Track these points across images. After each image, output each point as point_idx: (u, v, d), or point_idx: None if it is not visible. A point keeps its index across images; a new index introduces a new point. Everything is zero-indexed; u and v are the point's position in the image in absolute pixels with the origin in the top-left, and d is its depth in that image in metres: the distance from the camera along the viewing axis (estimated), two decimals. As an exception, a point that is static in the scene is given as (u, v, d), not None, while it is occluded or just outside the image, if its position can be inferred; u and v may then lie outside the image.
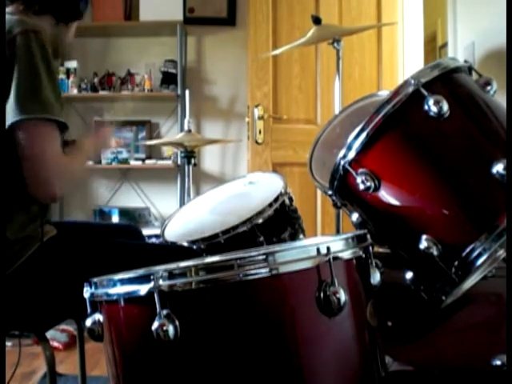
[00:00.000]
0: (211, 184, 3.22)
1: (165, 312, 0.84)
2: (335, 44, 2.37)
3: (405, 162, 1.12)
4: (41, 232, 1.30)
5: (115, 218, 3.51)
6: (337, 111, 2.39)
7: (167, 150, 3.56)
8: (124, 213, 3.54)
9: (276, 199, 1.54)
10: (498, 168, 1.04)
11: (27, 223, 1.28)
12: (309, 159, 1.55)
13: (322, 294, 0.87)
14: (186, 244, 1.52)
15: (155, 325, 0.84)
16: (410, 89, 1.09)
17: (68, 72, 3.53)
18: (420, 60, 3.40)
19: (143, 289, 0.87)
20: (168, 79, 3.53)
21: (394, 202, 1.11)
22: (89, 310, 0.96)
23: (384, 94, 1.46)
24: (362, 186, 1.11)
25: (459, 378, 1.21)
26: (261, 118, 3.04)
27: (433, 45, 4.25)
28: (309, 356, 0.87)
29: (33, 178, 1.22)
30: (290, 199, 1.61)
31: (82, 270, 1.19)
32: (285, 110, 3.11)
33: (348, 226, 1.62)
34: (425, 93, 1.08)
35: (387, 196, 1.11)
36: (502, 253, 1.14)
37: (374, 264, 0.98)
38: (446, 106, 1.07)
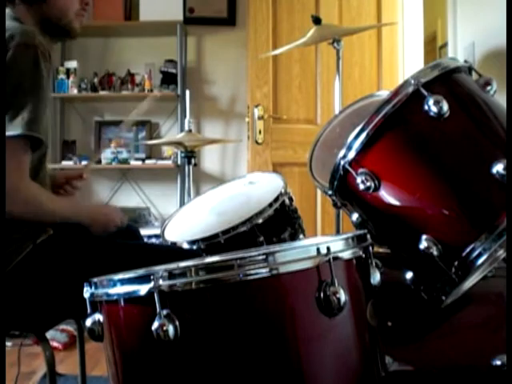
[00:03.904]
0: (211, 184, 3.22)
1: (165, 312, 0.84)
2: (335, 44, 2.37)
3: (405, 162, 1.12)
4: (37, 232, 1.30)
5: (115, 218, 3.51)
6: (337, 111, 2.39)
7: (167, 150, 3.56)
8: (124, 213, 3.53)
9: (276, 199, 1.54)
10: (498, 168, 1.04)
11: (24, 223, 1.28)
12: (309, 159, 1.55)
13: (321, 294, 0.87)
14: (185, 244, 1.52)
15: (155, 325, 0.84)
16: (410, 89, 1.09)
17: (68, 72, 3.53)
18: (420, 60, 3.40)
19: (143, 289, 0.87)
20: (168, 79, 3.53)
21: (394, 202, 1.11)
22: (89, 310, 0.96)
23: (384, 93, 1.46)
24: (362, 186, 1.11)
25: (459, 378, 1.21)
26: (261, 118, 3.04)
27: (433, 45, 4.25)
28: (309, 356, 0.87)
29: None
30: (290, 199, 1.61)
31: (82, 270, 1.19)
32: (285, 110, 3.11)
33: (348, 226, 1.61)
34: (425, 93, 1.08)
35: (387, 196, 1.11)
36: (501, 253, 1.14)
37: (373, 264, 0.98)
38: (445, 106, 1.07)
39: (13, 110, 1.20)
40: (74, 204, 1.48)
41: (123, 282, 0.91)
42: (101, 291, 0.94)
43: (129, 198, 3.64)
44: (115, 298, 0.92)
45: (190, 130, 2.79)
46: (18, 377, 1.45)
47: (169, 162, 3.49)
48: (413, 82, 1.09)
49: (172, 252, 1.47)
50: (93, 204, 1.50)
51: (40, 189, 1.29)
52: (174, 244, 1.56)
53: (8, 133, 1.20)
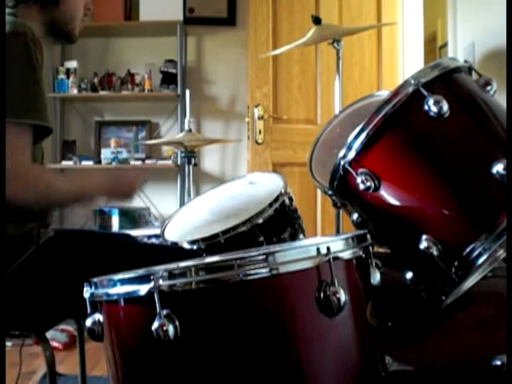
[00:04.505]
0: (211, 184, 3.22)
1: (165, 312, 0.84)
2: (335, 44, 2.37)
3: (405, 162, 1.12)
4: (38, 232, 1.30)
5: (115, 219, 3.50)
6: (337, 111, 2.39)
7: (167, 150, 3.56)
8: (124, 213, 3.53)
9: (276, 199, 1.54)
10: (498, 168, 1.04)
11: (26, 222, 1.28)
12: (309, 159, 1.55)
13: (322, 294, 0.87)
14: (186, 244, 1.52)
15: (155, 325, 0.84)
16: (410, 89, 1.09)
17: (68, 72, 3.53)
18: (420, 60, 3.40)
19: (143, 289, 0.87)
20: (168, 79, 3.54)
21: (394, 202, 1.11)
22: (89, 310, 0.96)
23: (384, 93, 1.46)
24: (362, 186, 1.11)
25: (459, 378, 1.21)
26: (261, 118, 3.04)
27: (433, 45, 4.25)
28: (309, 356, 0.87)
29: None
30: (290, 199, 1.60)
31: (82, 270, 1.19)
32: (285, 110, 3.11)
33: (348, 226, 1.61)
34: (425, 93, 1.08)
35: (387, 196, 1.11)
36: (501, 253, 1.14)
37: (373, 264, 0.98)
38: (445, 106, 1.07)
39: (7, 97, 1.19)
40: (84, 178, 1.39)
41: (123, 281, 0.91)
42: (101, 291, 0.94)
43: (129, 198, 3.63)
44: (115, 297, 0.92)
45: (190, 130, 2.79)
46: (19, 376, 1.45)
47: (169, 162, 3.49)
48: (413, 81, 1.09)
49: (172, 252, 1.47)
50: (107, 173, 1.41)
51: (42, 168, 1.27)
52: (174, 244, 1.56)
53: (8, 119, 1.18)
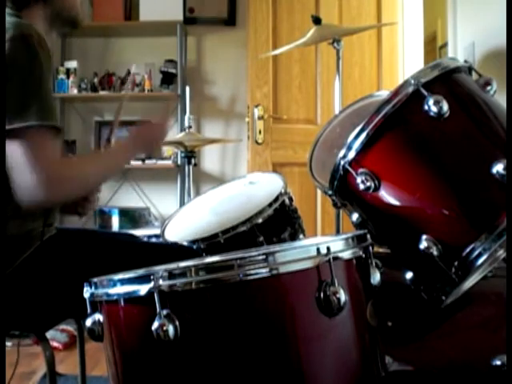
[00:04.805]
0: (211, 184, 3.22)
1: (165, 312, 0.84)
2: (335, 44, 2.37)
3: (405, 162, 1.12)
4: (41, 231, 1.30)
5: (115, 219, 3.51)
6: (337, 111, 2.39)
7: (167, 150, 3.56)
8: (124, 213, 3.54)
9: (276, 199, 1.54)
10: (498, 168, 1.04)
11: (28, 221, 1.28)
12: (309, 159, 1.55)
13: (322, 294, 0.87)
14: (186, 244, 1.52)
15: (155, 325, 0.84)
16: (410, 89, 1.09)
17: (68, 72, 3.53)
18: (420, 60, 3.40)
19: (143, 289, 0.87)
20: (168, 79, 3.54)
21: (394, 202, 1.11)
22: (89, 310, 0.96)
23: (384, 93, 1.46)
24: (362, 186, 1.11)
25: (459, 378, 1.21)
26: (261, 118, 3.04)
27: (433, 45, 4.25)
28: (309, 356, 0.87)
29: (21, 183, 1.16)
30: (290, 199, 1.61)
31: (82, 270, 1.19)
32: (285, 110, 3.11)
33: (348, 226, 1.61)
34: (425, 93, 1.08)
35: (387, 196, 1.11)
36: (501, 253, 1.14)
37: (373, 264, 0.98)
38: (445, 106, 1.07)
39: (22, 101, 1.19)
40: (112, 154, 1.44)
41: (123, 281, 0.91)
42: (101, 291, 0.94)
43: (129, 197, 3.64)
44: (115, 298, 0.92)
45: (190, 127, 2.79)
46: (12, 376, 1.45)
47: (169, 162, 3.49)
48: (413, 81, 1.09)
49: (172, 251, 1.47)
50: (131, 138, 1.46)
51: (69, 163, 1.32)
52: (174, 244, 1.56)
53: (24, 124, 1.17)
